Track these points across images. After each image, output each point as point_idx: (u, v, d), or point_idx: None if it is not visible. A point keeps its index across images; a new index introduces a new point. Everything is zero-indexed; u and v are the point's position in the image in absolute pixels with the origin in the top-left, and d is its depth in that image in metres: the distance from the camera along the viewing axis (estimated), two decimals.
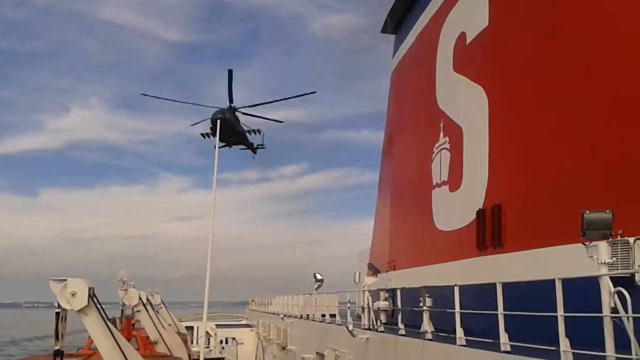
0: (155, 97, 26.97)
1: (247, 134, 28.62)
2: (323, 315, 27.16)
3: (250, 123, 28.05)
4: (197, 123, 26.75)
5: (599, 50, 13.75)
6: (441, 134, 22.14)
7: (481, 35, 19.21)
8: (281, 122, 29.25)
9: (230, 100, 26.21)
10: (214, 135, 26.30)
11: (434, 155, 22.75)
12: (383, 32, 32.91)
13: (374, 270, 31.63)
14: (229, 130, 26.79)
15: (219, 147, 27.36)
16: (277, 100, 27.29)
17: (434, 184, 22.50)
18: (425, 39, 25.65)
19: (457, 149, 20.48)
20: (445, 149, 21.64)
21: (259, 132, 29.03)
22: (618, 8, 13.51)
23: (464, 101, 20.32)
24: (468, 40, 20.25)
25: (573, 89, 14.35)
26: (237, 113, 26.65)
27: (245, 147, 29.42)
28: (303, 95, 27.72)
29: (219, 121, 24.87)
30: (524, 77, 16.55)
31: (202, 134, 27.69)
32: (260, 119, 27.92)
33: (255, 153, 30.01)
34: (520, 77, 16.77)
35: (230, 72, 25.80)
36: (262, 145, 29.90)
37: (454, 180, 20.53)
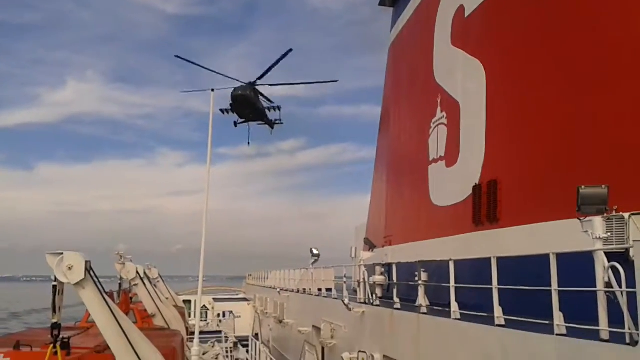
0: (188, 61, 26.56)
1: (267, 110, 28.64)
2: (319, 290, 27.35)
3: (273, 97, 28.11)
4: (189, 91, 26.53)
5: (599, 23, 13.63)
6: (438, 109, 22.04)
7: (480, 9, 19.01)
8: (336, 80, 29.69)
9: (259, 77, 26.21)
10: (234, 111, 26.34)
11: (431, 131, 22.68)
12: (381, 5, 32.51)
13: (370, 245, 31.78)
14: (249, 106, 26.83)
15: (239, 123, 27.50)
16: (297, 83, 27.44)
17: (431, 159, 22.48)
18: (423, 12, 25.38)
19: (454, 124, 20.41)
20: (443, 124, 21.57)
21: (279, 109, 29.10)
22: None
23: (462, 76, 20.18)
24: (466, 14, 20.04)
25: (572, 63, 14.26)
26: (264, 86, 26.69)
27: (263, 123, 29.41)
28: (324, 82, 27.91)
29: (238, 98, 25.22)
30: (523, 51, 16.42)
31: (221, 110, 27.62)
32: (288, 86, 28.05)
33: (272, 128, 30.03)
34: (518, 51, 16.65)
35: (289, 51, 25.61)
36: (280, 120, 29.92)
37: (451, 156, 20.50)
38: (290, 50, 25.67)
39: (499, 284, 11.03)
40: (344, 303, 18.92)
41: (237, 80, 26.20)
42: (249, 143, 29.32)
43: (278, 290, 34.81)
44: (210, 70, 26.13)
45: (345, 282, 21.35)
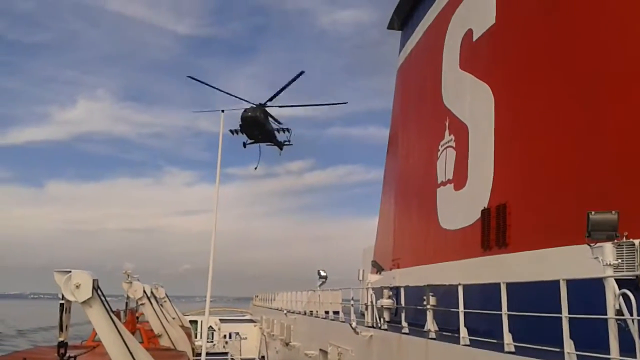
0: (200, 81, 26.83)
1: (276, 132, 28.79)
2: (326, 312, 27.17)
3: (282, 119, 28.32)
4: (200, 112, 27.00)
5: (606, 49, 13.66)
6: (446, 132, 22.07)
7: (488, 33, 19.12)
8: (345, 102, 30.45)
9: (270, 99, 26.42)
10: (243, 132, 26.48)
11: (439, 153, 22.69)
12: (389, 29, 32.78)
13: (377, 268, 31.60)
14: (258, 128, 27.00)
15: (248, 144, 27.65)
16: (306, 105, 27.55)
17: (439, 182, 22.44)
18: (432, 36, 25.55)
19: (462, 148, 20.42)
20: (451, 147, 21.58)
21: (288, 131, 29.26)
22: (626, 7, 13.40)
23: (470, 99, 20.24)
24: (475, 38, 20.16)
25: (580, 88, 14.26)
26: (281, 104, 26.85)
27: (272, 144, 29.53)
28: (333, 104, 28.13)
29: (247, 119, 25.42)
30: (531, 75, 16.47)
31: (230, 130, 27.77)
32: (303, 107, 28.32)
33: (281, 149, 30.14)
34: (526, 75, 16.69)
35: (301, 73, 25.77)
36: (289, 142, 30.03)
37: (459, 179, 20.47)
38: (302, 72, 25.83)
39: (508, 310, 10.93)
40: (351, 327, 18.77)
41: (248, 101, 26.37)
42: (256, 168, 29.39)
43: (285, 312, 34.61)
44: (222, 91, 26.34)
45: (352, 305, 21.18)
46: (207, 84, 26.26)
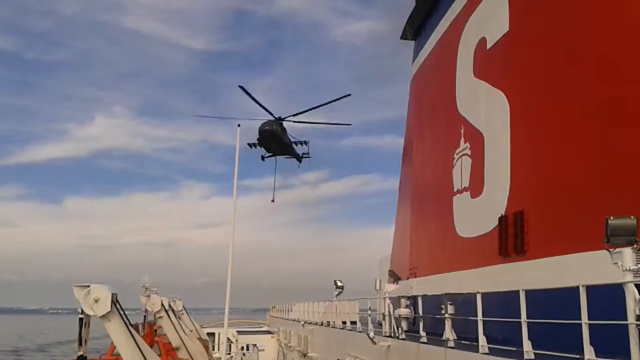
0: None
1: (294, 144, 29.03)
2: (344, 323, 27.07)
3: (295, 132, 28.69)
4: (203, 116, 27.49)
5: (623, 54, 13.58)
6: (462, 140, 22.01)
7: (501, 41, 19.10)
8: (349, 124, 30.68)
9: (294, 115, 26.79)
10: (261, 145, 26.77)
11: (454, 161, 22.63)
12: (402, 39, 32.88)
13: (394, 278, 31.48)
14: (276, 141, 27.26)
15: (266, 157, 27.96)
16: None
17: (455, 190, 22.36)
18: (445, 45, 25.57)
19: (478, 155, 20.34)
20: (466, 155, 21.51)
21: (306, 144, 29.54)
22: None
23: (485, 107, 20.19)
24: (488, 46, 20.14)
25: (596, 93, 14.17)
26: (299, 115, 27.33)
27: (291, 157, 29.77)
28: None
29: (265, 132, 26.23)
30: (546, 81, 16.40)
31: (249, 144, 28.11)
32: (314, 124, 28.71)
33: (300, 162, 30.40)
34: (541, 81, 16.63)
35: (346, 95, 27.30)
36: (307, 154, 30.31)
37: (475, 187, 20.38)
38: (348, 95, 26.82)
39: (527, 318, 10.83)
40: (369, 336, 18.69)
41: (272, 114, 26.75)
42: (273, 200, 29.91)
43: (302, 322, 34.53)
44: (262, 106, 26.86)
45: (370, 315, 21.08)
46: (252, 97, 26.70)
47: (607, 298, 8.76)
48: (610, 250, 9.50)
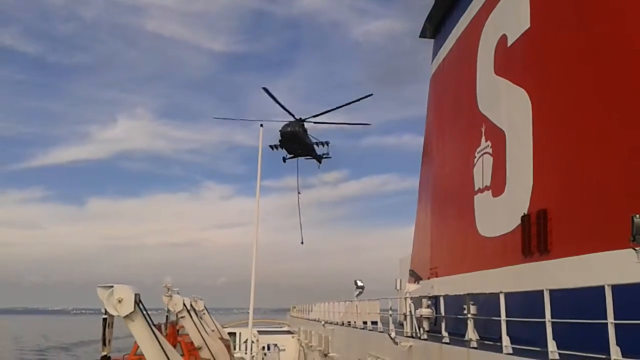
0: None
1: (315, 145, 29.15)
2: (364, 323, 27.02)
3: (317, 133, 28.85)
4: (224, 118, 27.82)
5: None
6: (483, 139, 21.82)
7: (523, 37, 18.89)
8: (369, 124, 31.06)
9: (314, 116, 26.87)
10: (282, 147, 26.92)
11: (475, 160, 22.43)
12: (422, 37, 32.70)
13: (415, 277, 31.33)
14: (298, 142, 27.39)
15: (288, 159, 28.13)
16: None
17: (476, 189, 22.17)
18: (465, 43, 25.37)
19: (499, 154, 20.15)
20: (488, 153, 21.31)
21: (327, 144, 29.65)
22: None
23: (506, 104, 19.99)
24: (509, 43, 19.94)
25: (619, 90, 13.95)
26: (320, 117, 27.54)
27: (312, 157, 29.89)
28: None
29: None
30: (568, 78, 16.19)
31: (270, 146, 28.31)
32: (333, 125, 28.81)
33: (320, 163, 30.52)
34: (563, 78, 16.41)
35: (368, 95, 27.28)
36: (328, 154, 30.41)
37: (497, 185, 20.18)
38: (370, 95, 26.85)
39: (552, 317, 10.70)
40: (390, 337, 18.62)
41: (293, 116, 26.88)
42: (299, 192, 30.02)
43: (323, 322, 34.53)
44: (285, 109, 26.97)
45: (391, 315, 21.00)
46: (274, 98, 26.86)
47: (634, 297, 8.62)
48: (636, 249, 9.36)
